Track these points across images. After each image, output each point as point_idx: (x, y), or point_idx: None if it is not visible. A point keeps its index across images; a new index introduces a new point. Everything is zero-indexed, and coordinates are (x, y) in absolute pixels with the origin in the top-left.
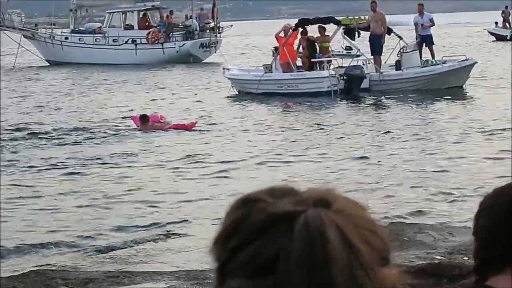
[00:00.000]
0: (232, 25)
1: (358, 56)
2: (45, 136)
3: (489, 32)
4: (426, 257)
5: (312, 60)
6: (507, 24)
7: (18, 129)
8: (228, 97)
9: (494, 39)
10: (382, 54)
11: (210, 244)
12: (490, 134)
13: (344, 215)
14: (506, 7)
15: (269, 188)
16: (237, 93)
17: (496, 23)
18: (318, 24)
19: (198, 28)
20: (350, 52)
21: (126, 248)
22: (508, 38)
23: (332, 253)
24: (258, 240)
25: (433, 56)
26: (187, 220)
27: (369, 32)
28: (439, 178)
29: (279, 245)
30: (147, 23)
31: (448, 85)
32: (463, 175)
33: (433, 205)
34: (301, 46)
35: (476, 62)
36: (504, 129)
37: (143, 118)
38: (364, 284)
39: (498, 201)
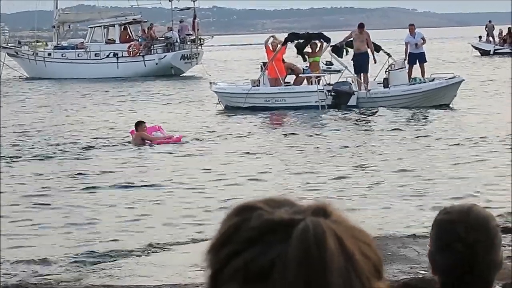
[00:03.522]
0: (212, 36)
1: (337, 71)
2: (30, 151)
3: (473, 46)
4: (410, 272)
5: (301, 75)
6: (491, 38)
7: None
8: (216, 112)
9: (478, 53)
10: (369, 71)
11: (205, 251)
12: (475, 146)
13: (343, 225)
14: (490, 21)
15: (267, 198)
16: (223, 107)
17: (480, 37)
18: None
19: (178, 40)
20: (330, 68)
21: (109, 262)
22: (491, 53)
23: (330, 261)
24: (254, 247)
25: (423, 74)
26: (170, 234)
27: (360, 49)
28: (423, 192)
29: (276, 252)
30: (128, 37)
31: (436, 103)
32: (448, 189)
33: (417, 219)
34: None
35: (464, 80)
36: (490, 143)
37: (138, 124)
38: None
39: (450, 239)
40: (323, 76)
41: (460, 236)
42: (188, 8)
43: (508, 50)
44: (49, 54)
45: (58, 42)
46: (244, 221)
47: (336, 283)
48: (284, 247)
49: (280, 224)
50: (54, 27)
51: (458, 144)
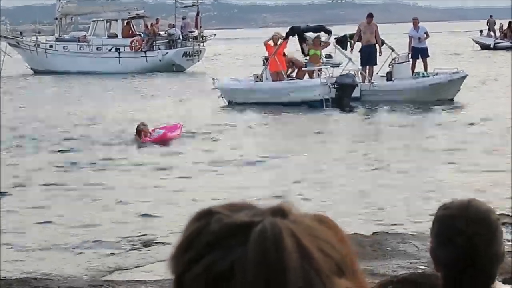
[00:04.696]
0: (215, 34)
1: (338, 65)
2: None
3: (474, 40)
4: (409, 267)
5: (304, 69)
6: (492, 33)
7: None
8: (219, 108)
9: (479, 47)
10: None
11: (168, 256)
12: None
13: (301, 225)
14: (491, 16)
15: (228, 203)
16: (226, 103)
17: (481, 31)
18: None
19: (181, 37)
20: (329, 61)
21: (110, 257)
22: (491, 46)
23: (287, 259)
24: (214, 251)
25: (426, 68)
26: (170, 230)
27: (361, 43)
28: (424, 189)
29: (235, 255)
30: (130, 32)
31: (439, 97)
32: (448, 187)
33: (417, 215)
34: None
35: (467, 75)
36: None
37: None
38: None
39: (451, 233)
40: (326, 68)
41: (461, 229)
42: (192, 5)
43: (508, 44)
44: (51, 46)
45: (60, 35)
46: (205, 226)
47: (295, 281)
48: (243, 250)
49: (239, 227)
50: (56, 19)
51: (460, 141)
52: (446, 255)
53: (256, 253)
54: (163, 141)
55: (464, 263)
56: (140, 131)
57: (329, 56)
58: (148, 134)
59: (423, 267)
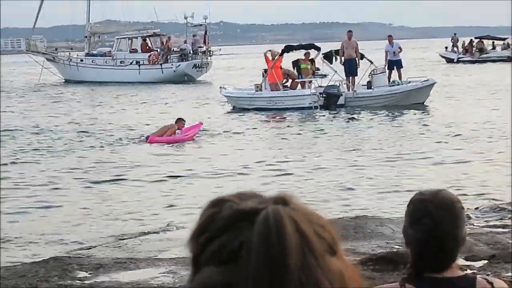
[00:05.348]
0: (220, 49)
1: (324, 75)
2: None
3: (440, 55)
4: (386, 247)
5: (297, 80)
6: (455, 49)
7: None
8: (225, 112)
9: (445, 61)
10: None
11: (186, 239)
12: (442, 141)
13: (299, 211)
14: (455, 34)
15: (237, 192)
16: (232, 108)
17: (446, 47)
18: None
19: (191, 51)
20: (317, 72)
21: (132, 238)
22: (455, 60)
23: (287, 241)
24: (225, 234)
25: (400, 77)
26: (183, 215)
27: (344, 58)
28: (399, 178)
29: (243, 237)
30: (148, 47)
31: (412, 102)
32: (421, 176)
33: (394, 202)
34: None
35: (436, 82)
36: (457, 135)
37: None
38: (314, 269)
39: (421, 215)
40: (315, 79)
41: (429, 212)
42: (201, 25)
43: (469, 59)
44: (81, 60)
45: (89, 51)
46: (217, 212)
47: (293, 259)
48: (250, 232)
49: (247, 213)
50: (86, 37)
51: (433, 136)
52: (414, 234)
53: (261, 235)
54: (173, 141)
55: (429, 242)
56: (180, 122)
57: (317, 69)
58: (180, 128)
59: (397, 247)
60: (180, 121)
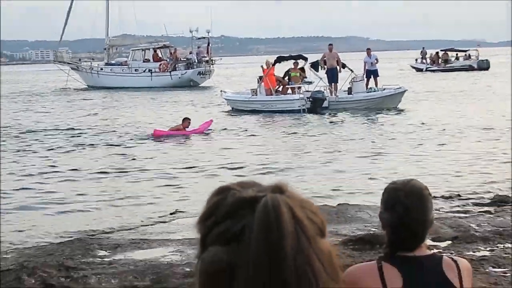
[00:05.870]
0: (221, 59)
1: (310, 82)
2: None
3: (411, 66)
4: (364, 229)
5: (287, 86)
6: (424, 60)
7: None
8: (225, 112)
9: (415, 71)
10: (338, 82)
11: (195, 221)
12: (413, 138)
13: (294, 199)
14: (423, 47)
15: (238, 181)
16: (231, 109)
17: (416, 59)
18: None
19: (196, 60)
20: (304, 79)
21: (145, 222)
22: (424, 70)
23: (284, 225)
24: (229, 219)
25: (376, 85)
26: (188, 202)
27: (327, 67)
28: (376, 170)
29: (244, 222)
30: (159, 57)
31: (386, 106)
32: (393, 168)
33: (371, 190)
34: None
35: (407, 90)
36: (426, 133)
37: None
38: (307, 250)
39: (394, 202)
40: (303, 85)
41: (401, 200)
42: (204, 38)
43: (436, 68)
44: (101, 69)
45: (108, 61)
46: (222, 199)
47: (289, 242)
48: (251, 218)
49: (248, 200)
50: (105, 49)
51: (404, 134)
52: (389, 219)
53: (261, 221)
54: (179, 135)
55: (401, 226)
56: (186, 121)
57: (305, 77)
58: (186, 127)
59: (374, 230)
60: (186, 120)
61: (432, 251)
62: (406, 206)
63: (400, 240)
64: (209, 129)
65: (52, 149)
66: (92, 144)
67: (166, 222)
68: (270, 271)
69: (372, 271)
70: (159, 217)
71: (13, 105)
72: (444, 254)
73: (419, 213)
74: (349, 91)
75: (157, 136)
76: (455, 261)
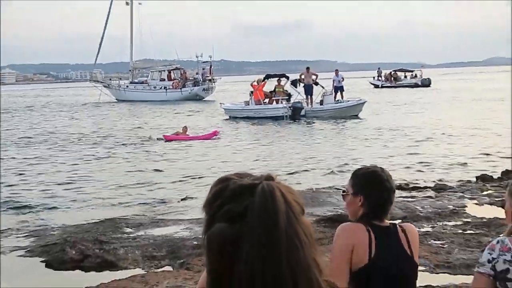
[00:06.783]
0: (221, 78)
1: (291, 96)
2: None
3: (370, 83)
4: (333, 211)
5: (273, 98)
6: (380, 78)
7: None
8: (224, 120)
9: (373, 87)
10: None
11: (202, 204)
12: (367, 139)
13: (282, 185)
14: (379, 68)
15: (236, 172)
16: (228, 117)
17: (374, 77)
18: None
19: (201, 79)
20: (287, 93)
21: (162, 205)
22: (380, 86)
23: (278, 205)
24: (232, 201)
25: (342, 97)
26: (197, 189)
27: (304, 83)
28: (343, 163)
29: (246, 203)
30: (172, 77)
31: (350, 114)
32: (356, 161)
33: (337, 179)
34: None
35: (366, 101)
36: (380, 135)
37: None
38: (294, 224)
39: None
40: (285, 98)
41: (386, 179)
42: (207, 61)
43: (389, 85)
44: (127, 86)
45: (132, 80)
46: (225, 185)
47: (282, 218)
48: (251, 200)
49: (248, 186)
50: (130, 71)
51: (363, 135)
52: (380, 193)
53: (260, 202)
54: (184, 140)
55: (388, 198)
56: (185, 128)
57: (286, 91)
58: (184, 133)
59: (341, 211)
60: (185, 128)
61: (389, 222)
62: (391, 187)
63: (375, 212)
64: (217, 136)
65: (95, 147)
66: (124, 144)
67: (178, 205)
68: (267, 240)
69: (362, 228)
70: (173, 200)
71: (62, 113)
72: (397, 224)
73: (394, 194)
74: (321, 102)
75: (168, 139)
76: (404, 230)
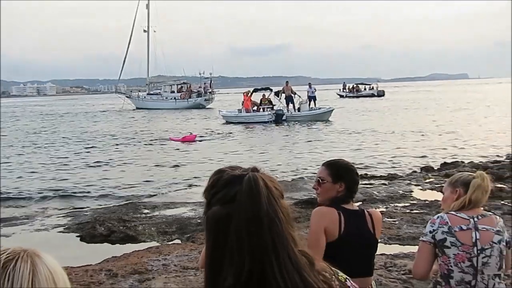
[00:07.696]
0: (219, 91)
1: (274, 105)
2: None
3: (337, 94)
4: (308, 195)
5: (260, 106)
6: (345, 90)
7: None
8: (221, 123)
9: (339, 97)
10: (293, 104)
11: (202, 191)
12: (335, 142)
13: (265, 175)
14: (344, 82)
15: (229, 166)
16: (225, 122)
17: (340, 89)
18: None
19: (203, 92)
20: (271, 102)
21: (172, 191)
22: (345, 96)
23: (261, 191)
24: (226, 188)
25: (315, 105)
26: (200, 179)
27: (285, 95)
28: (315, 158)
29: (236, 189)
30: (180, 90)
31: (321, 119)
32: (324, 156)
33: (311, 170)
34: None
35: (334, 109)
36: (348, 136)
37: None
38: (275, 206)
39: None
40: (270, 107)
41: (354, 170)
42: (208, 77)
43: (352, 95)
44: (144, 97)
45: (148, 92)
46: (221, 176)
47: (264, 200)
48: (240, 187)
49: (238, 176)
50: (147, 84)
51: (332, 137)
52: (354, 179)
53: (247, 188)
54: (186, 141)
55: (353, 187)
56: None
57: (270, 101)
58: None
59: (314, 195)
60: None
61: (358, 207)
62: (357, 174)
63: (348, 197)
64: (200, 136)
65: (117, 144)
66: (140, 142)
67: (186, 191)
68: (252, 216)
69: (334, 211)
70: (181, 187)
71: (95, 118)
72: (365, 209)
73: (358, 179)
74: (298, 109)
75: (173, 141)
76: (370, 214)
